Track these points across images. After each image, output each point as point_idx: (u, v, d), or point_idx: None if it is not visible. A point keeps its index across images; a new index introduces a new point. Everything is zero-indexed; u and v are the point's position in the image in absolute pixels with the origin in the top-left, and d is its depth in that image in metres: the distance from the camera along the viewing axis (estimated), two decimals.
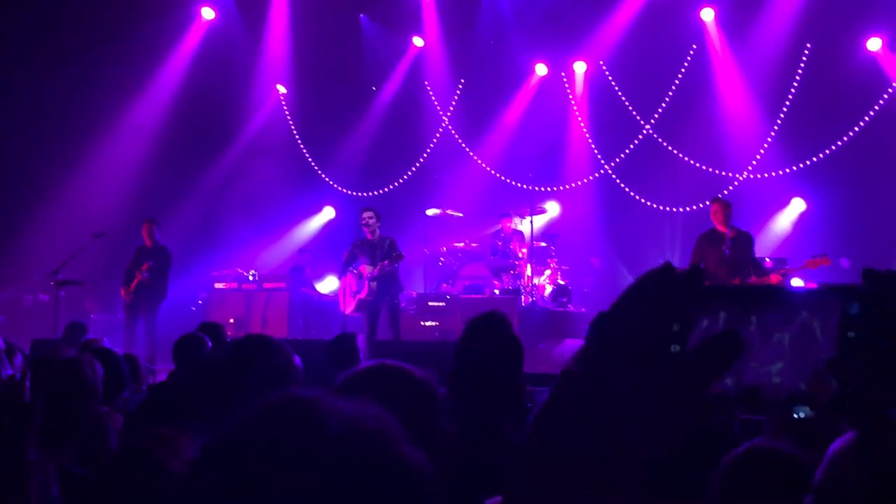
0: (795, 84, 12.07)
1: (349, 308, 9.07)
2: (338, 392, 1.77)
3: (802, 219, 12.12)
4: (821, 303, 0.72)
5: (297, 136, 14.17)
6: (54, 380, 2.60)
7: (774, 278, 8.12)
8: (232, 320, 11.05)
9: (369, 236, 9.05)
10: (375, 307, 8.93)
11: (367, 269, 8.93)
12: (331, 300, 11.81)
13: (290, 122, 14.20)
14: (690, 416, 0.67)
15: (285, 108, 14.26)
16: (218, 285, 11.75)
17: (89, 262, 10.59)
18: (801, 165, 12.03)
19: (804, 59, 12.01)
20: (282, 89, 14.21)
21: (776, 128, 12.21)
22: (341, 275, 9.41)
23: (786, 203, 12.22)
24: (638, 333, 0.67)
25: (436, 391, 1.85)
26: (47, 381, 2.23)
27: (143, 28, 12.82)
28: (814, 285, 0.75)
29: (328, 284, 13.11)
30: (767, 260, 9.26)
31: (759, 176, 12.27)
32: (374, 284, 8.89)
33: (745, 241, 8.15)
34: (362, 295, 8.96)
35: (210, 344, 4.88)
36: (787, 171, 12.11)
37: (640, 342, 0.67)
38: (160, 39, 13.23)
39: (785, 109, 12.15)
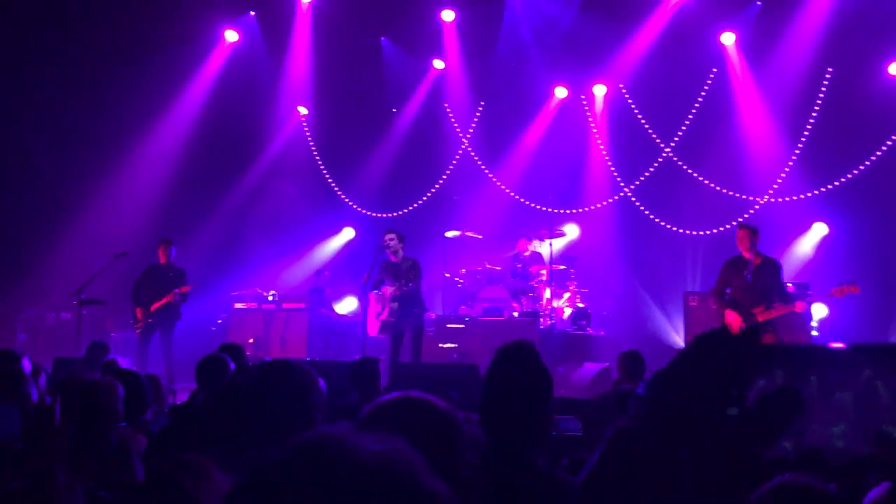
0: (817, 108, 12.01)
1: (373, 330, 9.07)
2: (363, 424, 1.78)
3: (825, 243, 12.01)
4: (884, 361, 0.69)
5: (317, 158, 14.27)
6: (76, 402, 2.62)
7: (800, 306, 8.01)
8: (251, 340, 11.09)
9: (392, 258, 9.07)
10: (398, 328, 8.93)
11: (388, 291, 8.95)
12: (350, 321, 11.83)
13: (311, 144, 14.30)
14: (747, 477, 0.66)
15: (306, 129, 14.37)
16: (237, 305, 11.80)
17: (110, 282, 10.68)
18: (823, 189, 11.94)
19: (825, 82, 11.97)
20: (303, 111, 14.32)
21: (797, 151, 12.14)
22: (362, 296, 9.42)
23: (808, 227, 12.12)
24: (694, 395, 0.66)
25: (459, 423, 1.85)
26: (74, 405, 2.25)
27: (168, 50, 12.99)
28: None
29: (347, 305, 13.13)
30: (789, 285, 9.16)
31: (780, 200, 12.19)
32: (395, 305, 8.90)
33: (770, 268, 8.03)
34: (384, 316, 8.98)
35: (232, 365, 4.91)
36: (809, 195, 12.02)
37: (696, 403, 0.66)
38: (184, 61, 13.38)
39: (806, 133, 12.08)
